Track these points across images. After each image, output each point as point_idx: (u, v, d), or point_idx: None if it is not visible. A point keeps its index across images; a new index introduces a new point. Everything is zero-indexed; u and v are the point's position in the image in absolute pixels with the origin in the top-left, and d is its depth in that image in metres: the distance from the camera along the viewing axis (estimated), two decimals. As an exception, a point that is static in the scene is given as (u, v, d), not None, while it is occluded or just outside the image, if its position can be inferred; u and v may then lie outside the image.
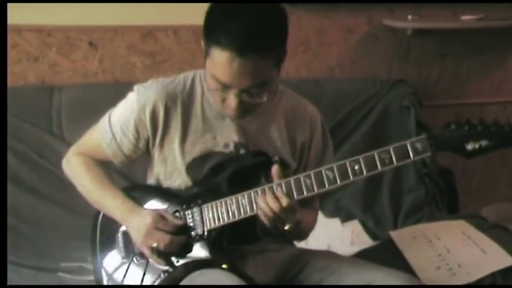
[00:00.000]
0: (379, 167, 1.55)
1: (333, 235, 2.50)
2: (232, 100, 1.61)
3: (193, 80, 1.78)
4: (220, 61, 1.54)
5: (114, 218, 1.79)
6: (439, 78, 3.04)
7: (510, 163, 3.18)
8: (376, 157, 1.54)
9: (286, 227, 1.62)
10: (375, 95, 2.79)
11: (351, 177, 1.56)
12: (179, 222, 1.72)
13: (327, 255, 1.86)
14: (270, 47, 1.56)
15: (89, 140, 1.86)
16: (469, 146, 1.50)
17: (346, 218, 2.62)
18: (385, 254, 2.27)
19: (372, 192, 2.69)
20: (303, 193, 1.58)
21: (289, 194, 1.58)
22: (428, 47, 3.00)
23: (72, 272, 2.16)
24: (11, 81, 2.59)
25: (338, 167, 1.57)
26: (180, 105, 1.75)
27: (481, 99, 3.10)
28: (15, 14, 2.48)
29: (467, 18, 2.84)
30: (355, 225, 2.59)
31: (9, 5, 2.22)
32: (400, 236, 2.42)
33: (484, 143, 1.49)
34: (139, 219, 1.72)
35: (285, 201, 1.56)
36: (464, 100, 3.07)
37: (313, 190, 1.58)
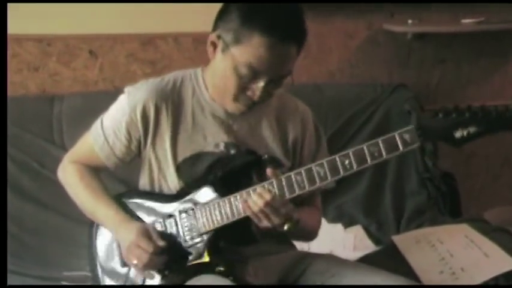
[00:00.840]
0: (368, 161, 1.54)
1: (335, 241, 2.50)
2: (256, 89, 1.63)
3: (182, 80, 1.79)
4: (260, 46, 1.57)
5: (106, 228, 1.82)
6: (440, 82, 3.04)
7: (512, 165, 3.19)
8: (366, 150, 1.54)
9: (285, 227, 1.62)
10: (376, 100, 2.80)
11: (342, 172, 1.56)
12: (161, 243, 1.69)
13: (328, 259, 1.86)
14: (304, 38, 1.63)
15: (82, 147, 1.87)
16: (458, 134, 1.48)
17: (348, 223, 2.62)
18: (388, 259, 2.27)
19: (374, 197, 2.70)
20: (294, 191, 1.59)
21: (281, 193, 1.59)
22: (429, 51, 3.01)
23: (76, 280, 2.17)
24: (12, 90, 2.59)
25: (328, 163, 1.57)
26: (171, 105, 1.75)
27: (482, 102, 3.06)
28: (15, 24, 2.47)
29: (468, 22, 2.84)
30: (357, 231, 2.59)
31: (9, 15, 2.23)
32: (403, 241, 2.42)
33: (472, 129, 1.47)
34: (126, 233, 1.73)
35: (268, 196, 1.57)
36: (465, 104, 3.05)
37: (305, 187, 1.59)
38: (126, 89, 1.79)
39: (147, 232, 1.70)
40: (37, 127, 2.51)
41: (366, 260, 2.22)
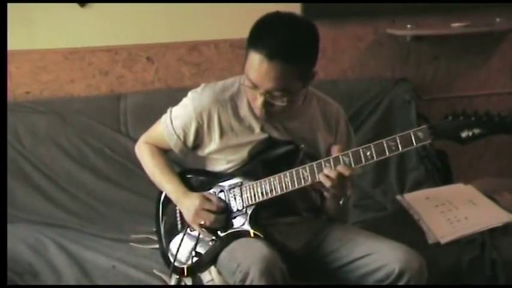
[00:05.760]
0: (387, 153, 1.54)
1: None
2: (258, 99, 1.63)
3: (238, 86, 1.78)
4: (253, 62, 1.57)
5: (170, 197, 1.84)
6: (434, 76, 3.00)
7: (493, 145, 3.15)
8: (385, 144, 1.54)
9: (340, 202, 1.67)
10: (381, 92, 2.77)
11: (363, 161, 1.57)
12: (222, 204, 1.75)
13: (344, 228, 1.87)
14: (296, 58, 1.56)
15: (154, 133, 1.90)
16: (464, 134, 1.46)
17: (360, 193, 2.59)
18: (392, 222, 2.29)
19: (381, 172, 2.67)
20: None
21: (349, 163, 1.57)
22: (425, 51, 2.95)
23: (141, 242, 2.18)
24: (87, 91, 2.67)
25: (353, 153, 1.58)
26: (230, 109, 1.76)
27: (469, 92, 3.04)
28: (89, 38, 2.61)
29: (456, 26, 2.82)
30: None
31: (85, 31, 2.24)
32: (412, 198, 2.42)
33: (476, 131, 1.46)
34: (189, 202, 1.77)
35: (346, 171, 1.57)
36: (455, 94, 3.02)
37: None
38: (191, 94, 1.80)
39: (207, 197, 1.76)
40: (107, 120, 2.54)
41: (373, 223, 2.24)
